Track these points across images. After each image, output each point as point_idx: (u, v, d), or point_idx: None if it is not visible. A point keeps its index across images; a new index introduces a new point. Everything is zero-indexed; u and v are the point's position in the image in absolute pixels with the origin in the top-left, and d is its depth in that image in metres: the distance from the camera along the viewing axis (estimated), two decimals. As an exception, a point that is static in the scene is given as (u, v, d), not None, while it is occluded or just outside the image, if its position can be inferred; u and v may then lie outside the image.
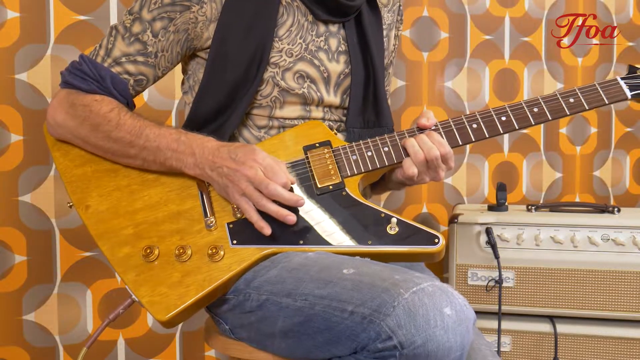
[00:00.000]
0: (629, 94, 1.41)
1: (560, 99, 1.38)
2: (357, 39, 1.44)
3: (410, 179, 1.37)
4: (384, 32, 1.52)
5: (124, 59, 1.36)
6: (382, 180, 1.49)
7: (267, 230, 1.26)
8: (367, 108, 1.44)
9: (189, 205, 1.31)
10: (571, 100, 1.38)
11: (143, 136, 1.31)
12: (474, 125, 1.37)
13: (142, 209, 1.31)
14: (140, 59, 1.36)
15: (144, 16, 1.35)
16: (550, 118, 1.38)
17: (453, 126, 1.37)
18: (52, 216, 2.04)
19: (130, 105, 1.40)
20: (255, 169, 1.24)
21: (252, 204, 1.26)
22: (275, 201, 1.25)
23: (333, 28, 1.43)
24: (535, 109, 1.38)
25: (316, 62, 1.40)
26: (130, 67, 1.37)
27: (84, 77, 1.36)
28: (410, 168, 1.33)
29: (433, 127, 1.37)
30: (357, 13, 1.44)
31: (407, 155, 1.34)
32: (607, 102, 1.40)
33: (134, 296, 1.25)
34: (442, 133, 1.36)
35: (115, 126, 1.32)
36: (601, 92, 1.39)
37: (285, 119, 1.39)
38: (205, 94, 1.37)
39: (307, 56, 1.39)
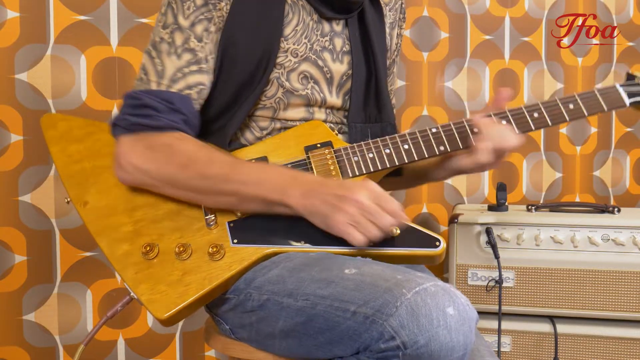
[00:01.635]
0: (627, 101, 1.43)
1: (560, 105, 1.40)
2: (360, 35, 1.44)
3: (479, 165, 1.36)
4: (387, 31, 1.52)
5: (179, 74, 1.29)
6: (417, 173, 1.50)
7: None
8: (368, 103, 1.44)
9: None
10: (571, 106, 1.40)
11: (240, 171, 1.24)
12: (475, 130, 1.37)
13: (141, 206, 1.31)
14: (194, 68, 1.30)
15: (182, 24, 1.30)
16: (550, 124, 1.40)
17: (454, 129, 1.37)
18: (52, 216, 2.04)
19: (195, 121, 1.32)
20: (365, 196, 1.19)
21: (359, 230, 1.20)
22: None
23: (337, 27, 1.43)
24: (536, 114, 1.39)
25: (320, 62, 1.40)
26: (189, 80, 1.30)
27: (150, 113, 1.26)
28: (483, 144, 1.33)
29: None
30: (360, 9, 1.44)
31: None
32: (606, 109, 1.41)
33: (132, 294, 1.25)
34: (444, 136, 1.36)
35: (207, 162, 1.24)
36: (600, 98, 1.41)
37: (287, 120, 1.39)
38: (211, 95, 1.36)
39: (311, 56, 1.39)
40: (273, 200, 1.23)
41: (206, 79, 1.32)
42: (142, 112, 1.26)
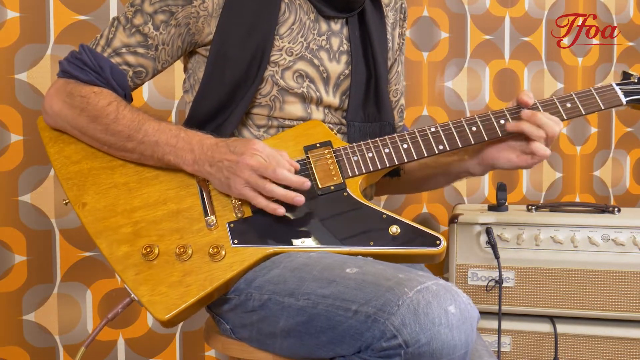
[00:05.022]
0: (623, 99, 1.43)
1: (557, 103, 1.40)
2: (360, 35, 1.44)
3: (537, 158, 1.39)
4: (388, 30, 1.52)
5: (124, 50, 1.35)
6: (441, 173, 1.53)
7: (281, 210, 1.25)
8: (368, 102, 1.45)
9: (188, 203, 1.31)
10: (568, 105, 1.41)
11: (142, 131, 1.30)
12: (474, 129, 1.38)
13: (140, 207, 1.31)
14: (140, 50, 1.36)
15: (145, 9, 1.35)
16: None
17: (453, 129, 1.37)
18: (52, 216, 2.04)
19: (128, 98, 1.39)
20: (257, 158, 1.24)
21: (258, 191, 1.25)
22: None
23: (335, 27, 1.43)
24: None
25: (316, 61, 1.40)
26: (130, 58, 1.36)
27: (82, 67, 1.35)
28: (544, 150, 1.37)
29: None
30: (361, 9, 1.44)
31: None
32: (603, 108, 1.42)
33: (133, 295, 1.25)
34: (443, 136, 1.37)
35: (113, 119, 1.31)
36: (597, 97, 1.42)
37: (284, 119, 1.39)
38: (206, 93, 1.37)
39: (307, 55, 1.39)
40: (169, 162, 1.30)
41: (150, 65, 1.38)
42: (77, 63, 1.36)
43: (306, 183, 1.25)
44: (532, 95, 1.40)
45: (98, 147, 1.35)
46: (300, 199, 1.25)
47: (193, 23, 1.36)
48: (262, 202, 1.25)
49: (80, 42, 1.40)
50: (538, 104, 1.40)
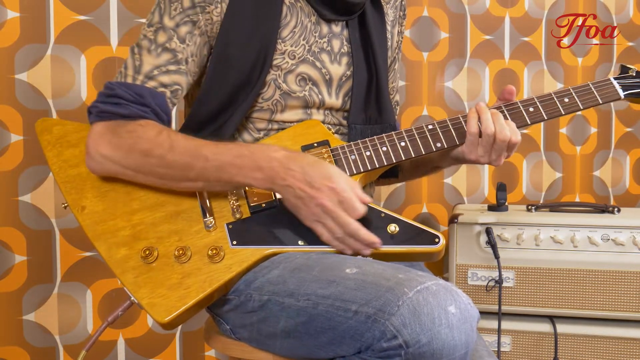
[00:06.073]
0: (621, 93, 1.43)
1: (555, 99, 1.40)
2: (360, 37, 1.44)
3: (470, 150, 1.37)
4: (388, 29, 1.52)
5: (156, 72, 1.30)
6: (427, 161, 1.50)
7: (366, 252, 1.25)
8: (369, 105, 1.44)
9: (186, 205, 1.30)
10: (566, 100, 1.41)
11: (202, 157, 1.24)
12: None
13: (139, 210, 1.30)
14: (172, 68, 1.31)
15: (166, 24, 1.31)
16: (545, 118, 1.40)
17: (450, 126, 1.38)
18: (52, 216, 2.04)
19: (170, 121, 1.34)
20: (333, 201, 1.21)
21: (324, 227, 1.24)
22: None
23: (336, 29, 1.43)
24: (531, 109, 1.40)
25: (318, 64, 1.40)
26: (164, 79, 1.31)
27: (120, 102, 1.27)
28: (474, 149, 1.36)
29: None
30: (362, 11, 1.44)
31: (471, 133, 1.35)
32: (601, 102, 1.42)
33: (133, 298, 1.24)
34: (440, 133, 1.37)
35: (168, 149, 1.24)
36: (595, 92, 1.42)
37: (285, 122, 1.39)
38: (207, 96, 1.36)
39: (309, 58, 1.39)
40: (238, 183, 1.25)
41: (183, 80, 1.33)
42: (112, 101, 1.28)
43: (375, 244, 1.24)
44: (514, 90, 1.40)
45: (159, 185, 1.29)
46: (367, 252, 1.25)
47: (210, 29, 1.33)
48: (333, 243, 1.25)
49: (105, 82, 1.33)
50: (537, 101, 1.40)
